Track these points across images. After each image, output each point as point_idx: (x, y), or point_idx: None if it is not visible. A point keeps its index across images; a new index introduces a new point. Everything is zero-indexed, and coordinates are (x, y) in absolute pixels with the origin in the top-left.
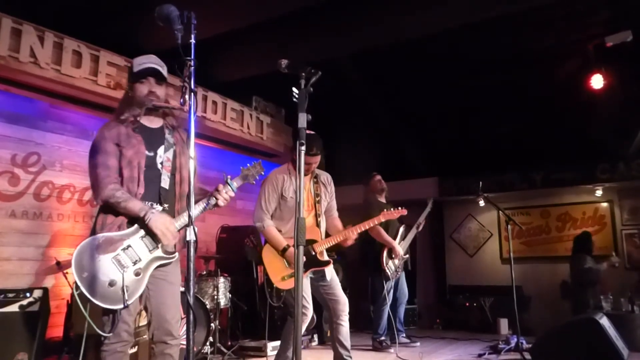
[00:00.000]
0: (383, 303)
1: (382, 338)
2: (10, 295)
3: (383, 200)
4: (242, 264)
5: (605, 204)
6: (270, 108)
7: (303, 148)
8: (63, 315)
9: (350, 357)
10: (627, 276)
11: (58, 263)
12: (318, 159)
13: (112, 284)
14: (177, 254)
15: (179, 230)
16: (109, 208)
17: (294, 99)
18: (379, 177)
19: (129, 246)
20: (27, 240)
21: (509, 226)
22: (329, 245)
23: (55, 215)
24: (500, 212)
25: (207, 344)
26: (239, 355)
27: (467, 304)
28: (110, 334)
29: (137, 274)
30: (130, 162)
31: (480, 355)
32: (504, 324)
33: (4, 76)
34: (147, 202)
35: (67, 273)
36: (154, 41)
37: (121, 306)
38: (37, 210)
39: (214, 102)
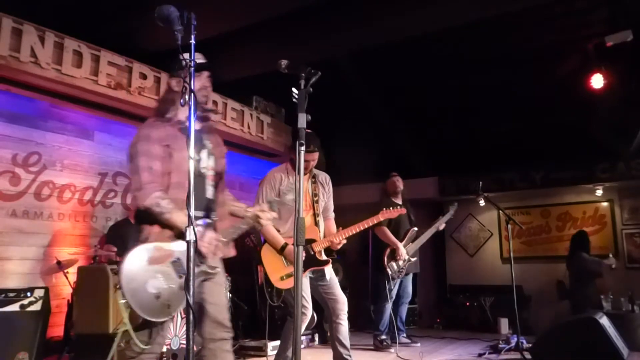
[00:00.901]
0: (385, 300)
1: (383, 337)
2: (11, 294)
3: (398, 201)
4: (242, 264)
5: (605, 204)
6: (270, 108)
7: (303, 148)
8: (64, 315)
9: (350, 357)
10: (627, 275)
11: (59, 262)
12: (316, 156)
13: (157, 296)
14: (219, 268)
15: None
16: (155, 218)
17: (294, 100)
18: (395, 177)
19: (178, 259)
20: (27, 239)
21: (509, 226)
22: (327, 245)
23: (56, 214)
24: (500, 211)
25: None
26: (240, 355)
27: (468, 304)
28: (148, 346)
29: (182, 288)
30: (179, 167)
31: (480, 355)
32: (504, 323)
33: (5, 76)
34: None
35: (67, 273)
36: (154, 41)
37: (164, 319)
38: (38, 210)
39: (215, 102)
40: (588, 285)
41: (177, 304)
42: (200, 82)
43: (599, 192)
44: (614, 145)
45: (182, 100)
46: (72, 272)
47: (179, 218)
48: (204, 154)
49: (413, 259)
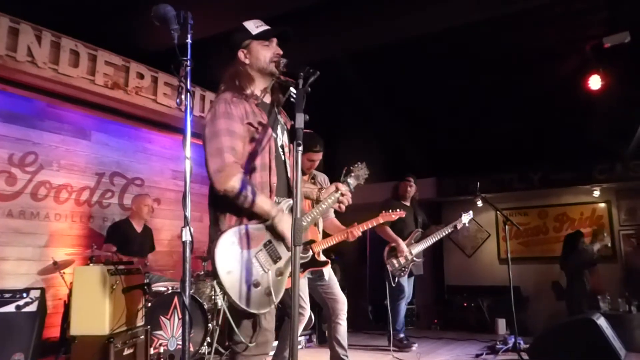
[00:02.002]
0: (397, 299)
1: (402, 335)
2: (7, 295)
3: (406, 203)
4: None
5: (602, 205)
6: None
7: (300, 149)
8: (60, 316)
9: (347, 357)
10: (625, 276)
11: (55, 263)
12: (321, 155)
13: (256, 284)
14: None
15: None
16: (235, 206)
17: (292, 99)
18: (409, 182)
19: (270, 242)
20: (24, 240)
21: (507, 226)
22: (327, 246)
23: (53, 215)
24: (498, 212)
25: (205, 344)
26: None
27: (465, 304)
28: (253, 343)
29: (279, 274)
30: (263, 147)
31: (477, 356)
32: (501, 324)
33: (1, 75)
34: (278, 198)
35: (64, 273)
36: (151, 41)
37: (267, 309)
38: (35, 210)
39: (212, 102)
40: (583, 286)
41: (277, 291)
42: (271, 50)
43: (597, 193)
44: (612, 146)
45: (177, 100)
46: (69, 273)
47: (265, 204)
48: (279, 130)
49: (418, 260)
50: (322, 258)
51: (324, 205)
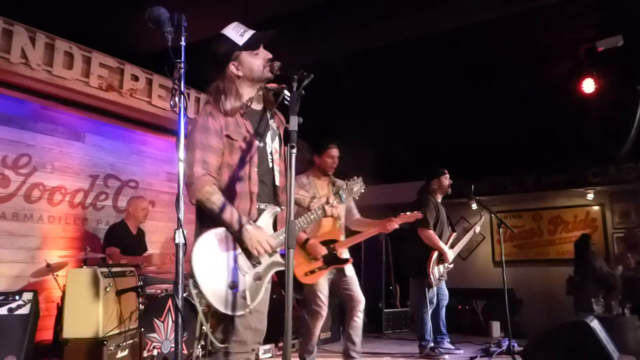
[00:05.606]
0: (426, 308)
1: (431, 344)
2: (0, 298)
3: (439, 199)
4: None
5: (596, 207)
6: None
7: (294, 151)
8: (53, 318)
9: (356, 352)
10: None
11: (48, 265)
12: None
13: (232, 286)
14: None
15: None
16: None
17: (286, 102)
18: (446, 175)
19: None
20: (17, 242)
21: (501, 229)
22: (351, 244)
23: (46, 217)
24: (492, 215)
25: (199, 346)
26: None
27: (460, 307)
28: (231, 343)
29: (257, 279)
30: (243, 157)
31: (472, 358)
32: (496, 326)
33: None
34: (262, 205)
35: (57, 276)
36: (146, 43)
37: (242, 312)
38: (28, 212)
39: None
40: (596, 289)
41: (253, 295)
42: (261, 57)
43: (590, 196)
44: (606, 149)
45: (171, 102)
46: (62, 275)
47: (231, 217)
48: (268, 137)
49: (450, 266)
50: (345, 256)
51: (312, 215)
